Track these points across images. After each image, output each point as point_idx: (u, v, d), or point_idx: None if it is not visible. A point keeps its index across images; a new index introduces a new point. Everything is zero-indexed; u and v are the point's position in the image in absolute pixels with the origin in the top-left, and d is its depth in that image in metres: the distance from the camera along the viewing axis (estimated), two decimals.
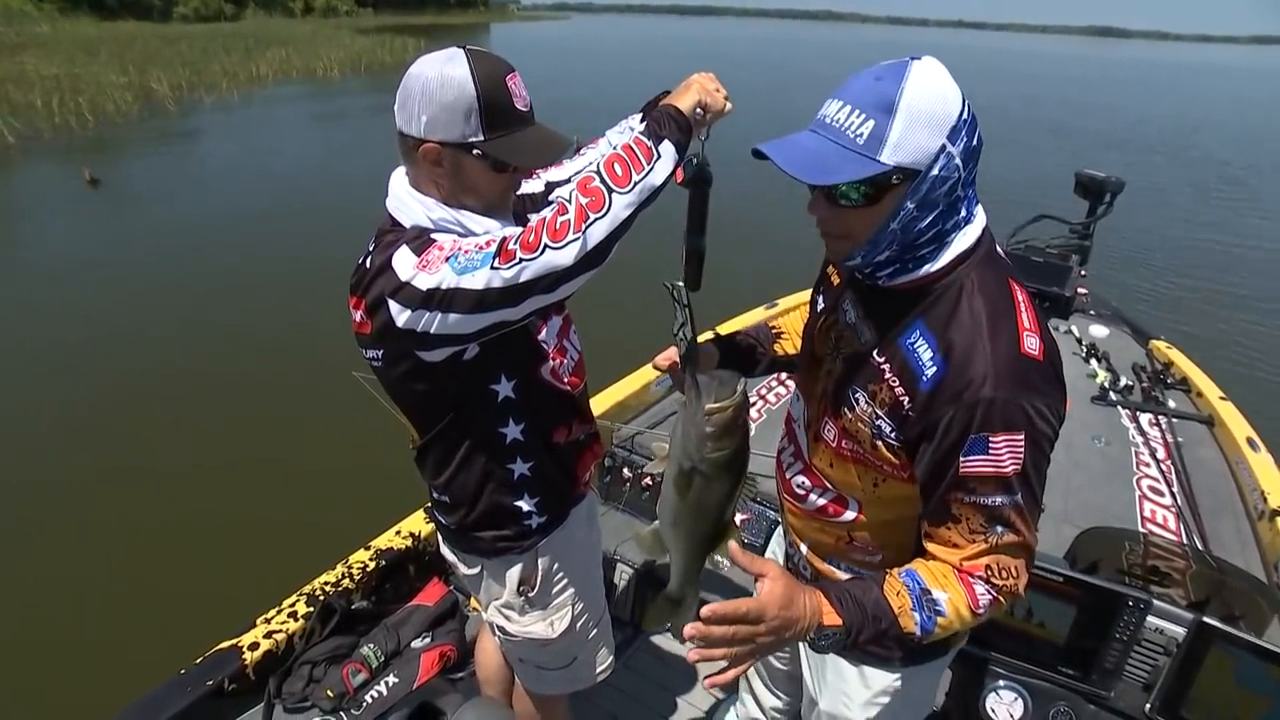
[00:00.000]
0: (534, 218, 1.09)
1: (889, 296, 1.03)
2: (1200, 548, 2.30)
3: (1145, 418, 3.21)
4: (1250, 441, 2.91)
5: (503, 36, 57.62)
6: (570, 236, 1.04)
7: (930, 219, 0.94)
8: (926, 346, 0.96)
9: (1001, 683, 1.69)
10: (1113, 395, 3.35)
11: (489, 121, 1.13)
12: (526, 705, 1.71)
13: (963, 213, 0.96)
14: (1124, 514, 2.57)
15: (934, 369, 0.95)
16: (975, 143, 0.93)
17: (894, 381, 0.99)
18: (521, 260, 1.04)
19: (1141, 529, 2.45)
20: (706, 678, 0.95)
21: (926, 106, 0.88)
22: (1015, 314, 0.96)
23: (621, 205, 1.07)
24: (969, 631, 1.25)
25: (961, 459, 0.93)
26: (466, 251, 1.08)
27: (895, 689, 1.29)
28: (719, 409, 0.99)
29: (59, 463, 4.67)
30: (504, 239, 1.07)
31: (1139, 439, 3.07)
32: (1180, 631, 1.64)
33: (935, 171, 0.90)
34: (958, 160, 0.91)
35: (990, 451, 0.92)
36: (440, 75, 1.11)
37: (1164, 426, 3.16)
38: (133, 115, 16.90)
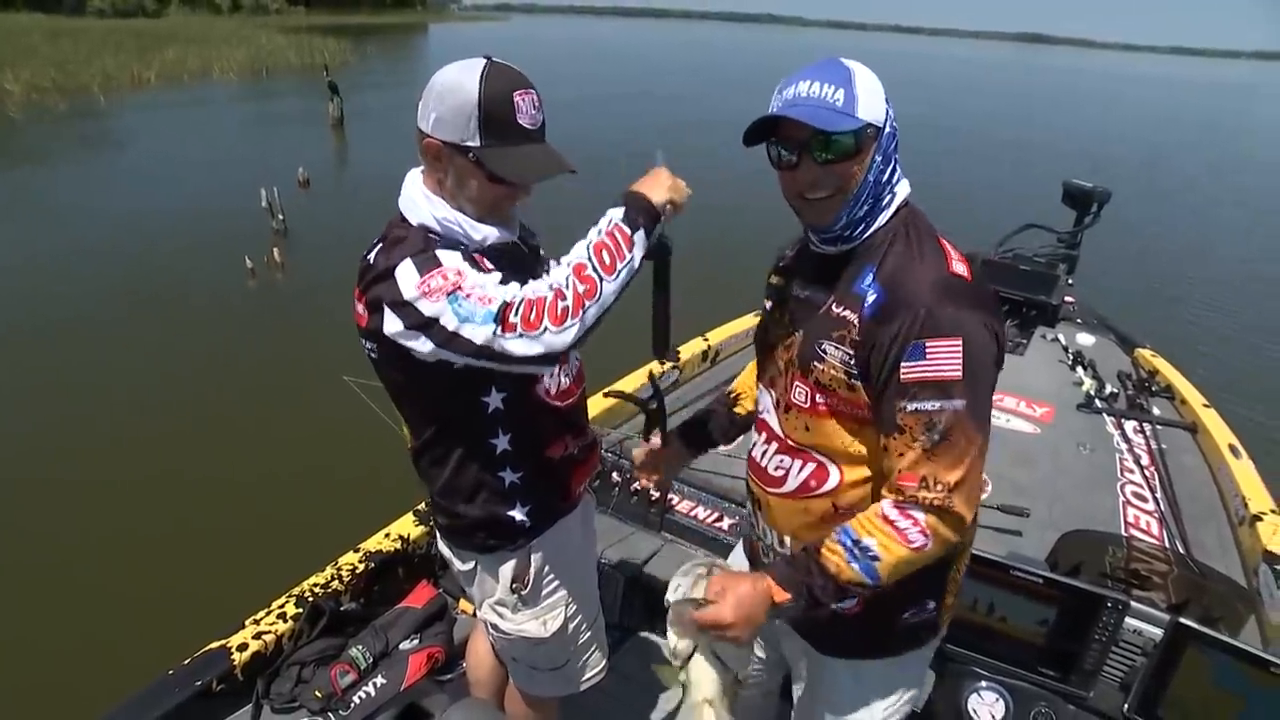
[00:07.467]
0: (531, 293, 1.14)
1: (838, 260, 1.16)
2: (1182, 552, 2.33)
3: (1130, 424, 3.25)
4: (1232, 448, 2.95)
5: (440, 39, 53.70)
6: (569, 321, 1.14)
7: (888, 171, 1.12)
8: (874, 283, 1.10)
9: (983, 684, 1.71)
10: (1098, 402, 3.39)
11: (486, 130, 1.18)
12: (519, 708, 1.71)
13: (897, 169, 1.14)
14: (1108, 519, 2.60)
15: (874, 295, 1.09)
16: None
17: (855, 320, 1.10)
18: (522, 335, 1.12)
19: (1124, 534, 2.48)
20: None
21: (869, 80, 1.08)
22: (941, 247, 1.12)
23: (610, 291, 1.18)
24: (949, 617, 1.31)
25: (902, 365, 1.04)
26: (469, 295, 1.13)
27: (887, 680, 1.32)
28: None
29: (47, 466, 4.65)
30: (506, 306, 1.12)
31: (1123, 445, 3.10)
32: (1158, 633, 1.66)
33: (887, 129, 1.10)
34: (894, 122, 1.11)
35: (928, 356, 1.03)
36: (454, 79, 1.19)
37: (1148, 433, 3.20)
38: None
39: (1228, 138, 27.70)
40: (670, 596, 1.18)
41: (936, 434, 1.03)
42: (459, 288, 1.13)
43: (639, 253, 1.21)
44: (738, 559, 1.54)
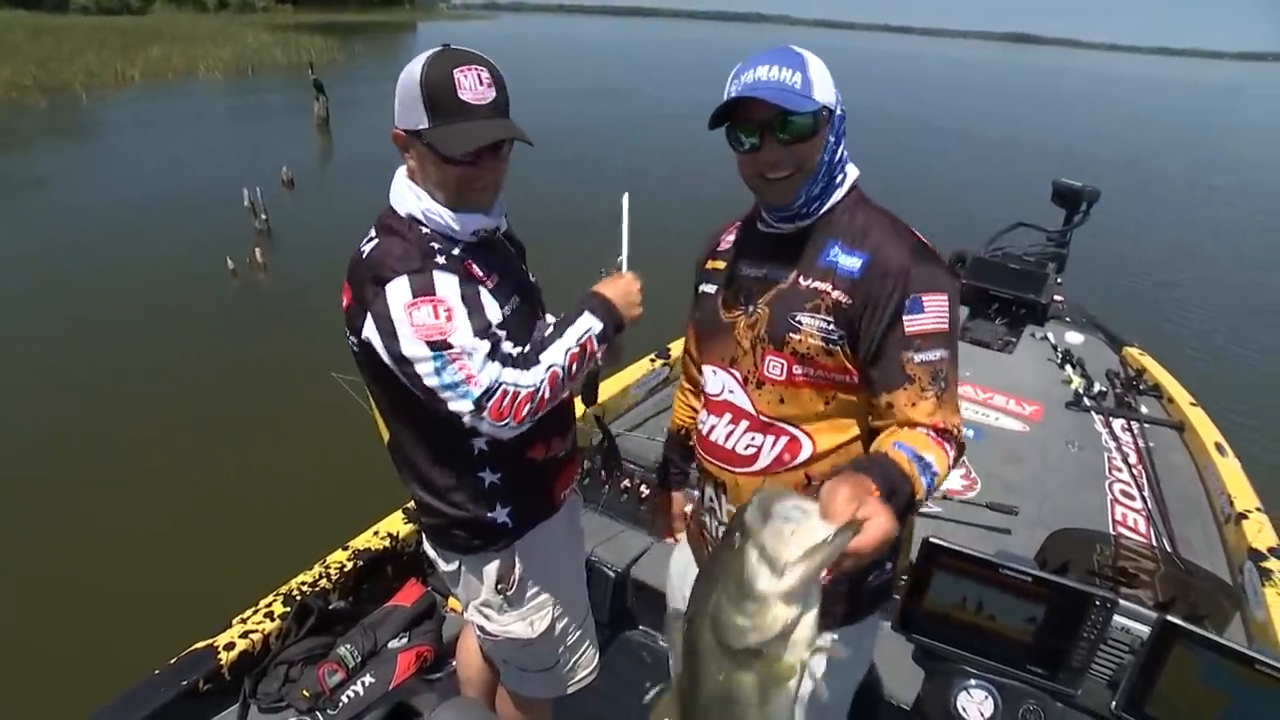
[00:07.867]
0: (510, 384, 1.21)
1: (793, 238, 1.22)
2: (1169, 550, 2.34)
3: (1118, 423, 3.27)
4: (1219, 446, 2.97)
5: (429, 37, 51.82)
6: (530, 419, 1.25)
7: (839, 150, 1.19)
8: (846, 254, 1.17)
9: (972, 681, 1.71)
10: (1087, 401, 3.40)
11: (431, 110, 1.19)
12: (510, 709, 1.70)
13: (845, 151, 1.21)
14: (1096, 517, 2.61)
15: (859, 261, 1.16)
16: None
17: (829, 289, 1.16)
18: (488, 420, 1.21)
19: (1112, 531, 2.49)
20: None
21: (820, 67, 1.14)
22: (905, 222, 1.22)
23: (568, 391, 1.32)
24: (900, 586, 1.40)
25: (905, 319, 1.12)
26: (455, 360, 1.17)
27: (849, 647, 1.33)
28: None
29: (36, 466, 4.61)
30: (486, 392, 1.18)
31: (1111, 444, 3.12)
32: (1145, 630, 1.67)
33: (838, 111, 1.17)
34: (842, 105, 1.18)
35: (926, 309, 1.12)
36: (410, 69, 1.21)
37: (1136, 432, 3.22)
38: None
39: (1214, 138, 27.92)
40: (790, 554, 0.75)
41: (942, 381, 1.13)
42: (446, 343, 1.17)
43: (596, 354, 1.32)
44: (682, 554, 1.54)
